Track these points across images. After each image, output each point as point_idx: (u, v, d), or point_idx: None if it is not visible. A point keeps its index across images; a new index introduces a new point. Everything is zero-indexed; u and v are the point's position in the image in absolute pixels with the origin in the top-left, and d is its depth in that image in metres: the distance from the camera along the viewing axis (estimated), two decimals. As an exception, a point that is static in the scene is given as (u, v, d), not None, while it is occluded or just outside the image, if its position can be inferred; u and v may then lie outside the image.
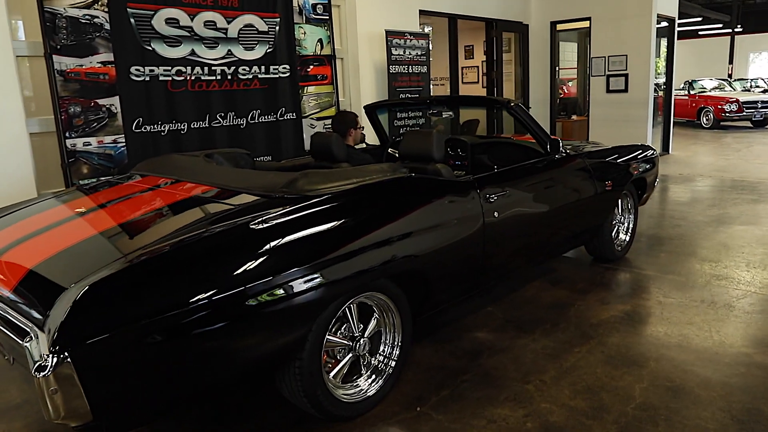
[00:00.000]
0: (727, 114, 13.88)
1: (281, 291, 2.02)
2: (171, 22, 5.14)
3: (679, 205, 6.40)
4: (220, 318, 1.87)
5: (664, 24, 9.94)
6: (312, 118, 6.48)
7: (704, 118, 14.53)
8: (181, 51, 5.26)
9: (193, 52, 5.35)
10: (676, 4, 9.86)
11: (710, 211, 6.00)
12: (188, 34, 5.28)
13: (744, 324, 3.30)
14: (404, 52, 7.01)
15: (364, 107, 4.70)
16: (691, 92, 15.20)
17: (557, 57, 9.46)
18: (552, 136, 3.81)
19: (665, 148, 10.40)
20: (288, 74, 6.12)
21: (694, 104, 14.77)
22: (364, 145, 4.72)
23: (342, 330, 2.48)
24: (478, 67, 10.47)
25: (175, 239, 2.03)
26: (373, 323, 2.59)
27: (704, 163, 9.27)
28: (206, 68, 5.46)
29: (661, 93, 9.98)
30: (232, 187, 2.54)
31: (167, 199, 2.56)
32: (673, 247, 4.82)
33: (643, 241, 5.02)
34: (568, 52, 11.26)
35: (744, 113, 13.79)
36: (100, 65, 4.80)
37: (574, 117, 10.14)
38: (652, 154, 4.82)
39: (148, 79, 5.07)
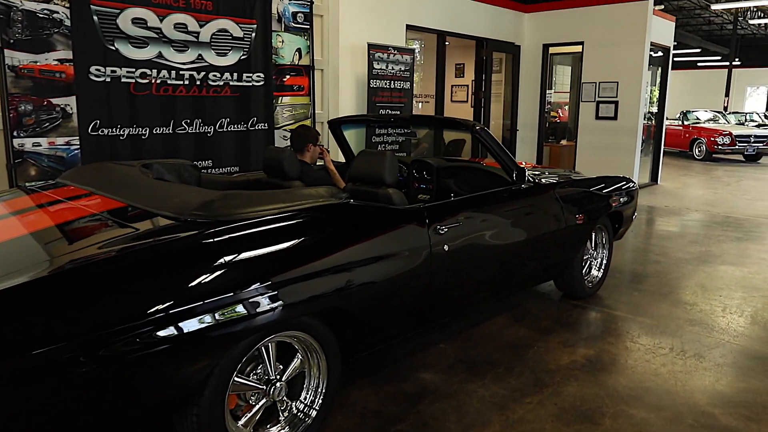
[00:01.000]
0: (720, 146, 13.74)
1: (169, 330, 1.76)
2: (138, 22, 4.90)
3: (661, 240, 6.17)
4: (86, 361, 1.61)
5: (659, 53, 9.81)
6: (285, 130, 6.24)
7: (697, 150, 14.38)
8: (147, 53, 5.02)
9: (160, 55, 5.11)
10: (672, 33, 9.72)
11: (692, 248, 5.77)
12: (156, 36, 5.05)
13: (713, 378, 3.05)
14: (386, 67, 6.80)
15: (328, 122, 4.47)
16: (685, 123, 15.07)
17: (548, 80, 9.29)
18: (521, 164, 3.58)
19: (654, 178, 10.21)
20: (262, 83, 5.89)
21: (687, 135, 14.63)
22: (320, 163, 4.48)
23: (257, 371, 2.21)
24: (468, 86, 10.27)
25: (45, 267, 1.76)
26: (294, 365, 2.32)
27: (692, 195, 9.07)
28: (174, 72, 5.22)
29: (653, 122, 9.83)
30: (142, 206, 2.29)
31: (63, 215, 2.31)
32: (648, 285, 4.58)
33: (618, 277, 4.78)
34: (565, 76, 11.12)
35: (736, 146, 13.64)
36: (56, 63, 4.56)
37: (563, 142, 9.95)
38: (631, 186, 4.60)
39: (109, 80, 4.82)
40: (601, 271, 4.36)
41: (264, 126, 5.96)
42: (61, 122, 4.66)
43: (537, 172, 4.00)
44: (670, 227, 6.88)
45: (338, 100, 6.73)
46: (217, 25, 5.47)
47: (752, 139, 13.74)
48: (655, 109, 10.04)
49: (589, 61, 8.54)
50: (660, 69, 9.98)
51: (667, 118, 16.81)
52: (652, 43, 8.61)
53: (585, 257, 4.15)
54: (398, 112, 7.05)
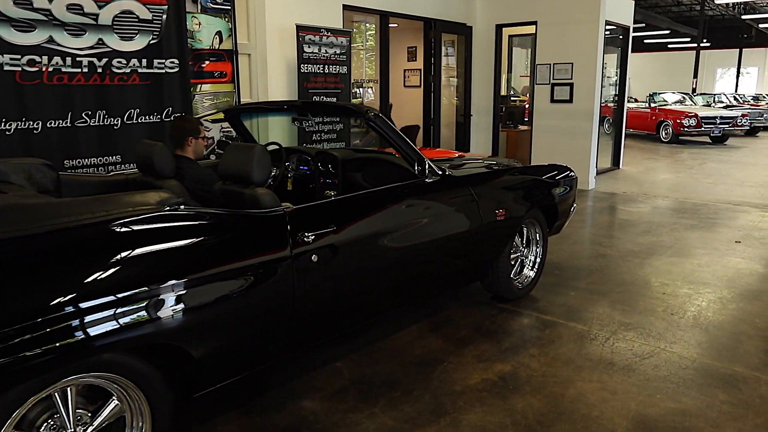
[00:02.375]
0: (686, 129, 13.47)
1: None
2: (22, 3, 4.35)
3: (612, 230, 5.81)
4: None
5: (618, 33, 9.43)
6: (206, 120, 5.74)
7: (663, 132, 14.11)
8: (34, 37, 4.47)
9: (51, 40, 4.56)
10: (631, 12, 9.34)
11: (643, 238, 5.41)
12: (45, 18, 4.49)
13: (639, 397, 2.66)
14: (319, 51, 6.31)
15: (223, 112, 3.99)
16: (652, 105, 14.79)
17: (503, 63, 8.86)
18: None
19: (616, 162, 9.88)
20: (176, 69, 5.37)
21: (654, 117, 14.35)
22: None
23: (52, 421, 1.76)
24: (420, 69, 9.80)
25: None
26: (107, 412, 1.87)
27: (653, 180, 8.75)
28: (69, 59, 4.67)
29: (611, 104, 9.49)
30: None
31: None
32: (588, 283, 4.20)
33: (557, 274, 4.40)
34: (528, 59, 10.70)
35: (702, 128, 13.39)
36: None
37: (521, 127, 9.56)
38: (569, 176, 4.20)
39: (-12, 68, 4.28)
40: (535, 269, 3.96)
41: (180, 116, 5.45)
42: (-70, 116, 4.13)
43: (452, 163, 3.58)
44: (624, 215, 6.53)
45: (267, 87, 6.23)
46: (119, 7, 4.92)
47: (718, 121, 13.50)
48: (612, 92, 9.70)
49: (543, 41, 8.12)
50: (620, 50, 9.62)
51: (636, 101, 16.60)
52: (609, 23, 8.22)
53: (513, 255, 3.75)
54: (334, 99, 6.57)
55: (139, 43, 5.09)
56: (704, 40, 22.01)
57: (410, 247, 2.83)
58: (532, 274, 3.93)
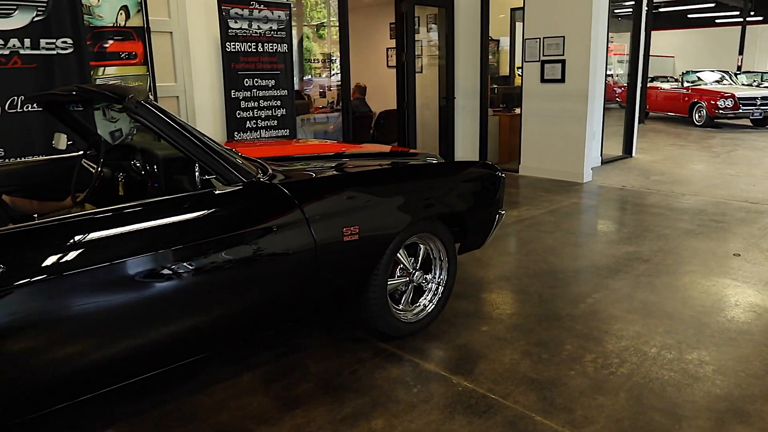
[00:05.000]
0: (721, 110, 11.99)
1: None
2: None
3: (583, 237, 4.81)
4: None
5: (631, 2, 8.22)
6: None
7: (696, 115, 12.64)
8: None
9: None
10: (645, -23, 8.11)
11: (618, 248, 4.40)
12: None
13: None
14: (250, 26, 5.49)
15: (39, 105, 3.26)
16: (685, 84, 13.30)
17: (488, 38, 7.80)
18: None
19: (628, 150, 8.71)
20: (70, 50, 4.68)
21: (686, 99, 12.88)
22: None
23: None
24: (421, 42, 8.82)
25: None
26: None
27: (666, 171, 7.57)
28: (-71, 39, 4.05)
29: (613, 82, 8.30)
30: None
31: None
32: (511, 314, 3.28)
33: (480, 299, 3.49)
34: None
35: (740, 110, 11.88)
36: None
37: (517, 111, 8.50)
38: (489, 176, 3.28)
39: None
40: (436, 298, 3.07)
41: (77, 105, 4.75)
42: None
43: (306, 165, 2.72)
44: (608, 217, 5.50)
45: (191, 69, 5.47)
46: (-10, -23, 4.27)
47: (759, 102, 11.94)
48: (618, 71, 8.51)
49: (532, 11, 7.03)
50: (632, 24, 8.41)
51: (676, 81, 15.00)
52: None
53: (394, 282, 2.87)
54: (273, 81, 5.76)
55: (19, 20, 4.42)
56: (751, 13, 19.99)
57: (175, 288, 2.01)
58: (428, 304, 3.05)
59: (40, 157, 4.35)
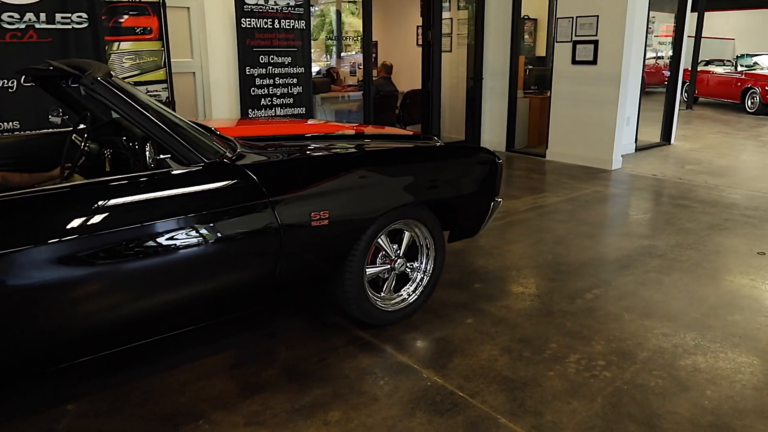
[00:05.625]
0: (776, 97, 11.25)
1: None
2: None
3: (597, 228, 4.57)
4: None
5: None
6: (128, 82, 5.06)
7: (749, 101, 11.90)
8: None
9: None
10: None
11: (632, 240, 4.17)
12: None
13: None
14: (266, 2, 5.41)
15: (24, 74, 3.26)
16: (739, 69, 12.52)
17: (520, 16, 7.48)
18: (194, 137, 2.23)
19: (666, 136, 8.27)
20: (85, 25, 4.72)
21: (739, 84, 12.13)
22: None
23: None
24: (451, 20, 8.55)
25: None
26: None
27: (703, 160, 7.15)
28: (-57, 12, 4.14)
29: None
30: None
31: None
32: (501, 307, 3.14)
33: (475, 288, 3.36)
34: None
35: (799, 98, 11.11)
36: None
37: (548, 93, 8.16)
38: (484, 161, 3.13)
39: None
40: (419, 289, 2.96)
41: (92, 78, 4.80)
42: None
43: (294, 144, 2.64)
44: (630, 207, 5.22)
45: (207, 45, 5.45)
46: (7, -49, 4.32)
47: (820, 88, 11.14)
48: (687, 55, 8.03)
49: (566, -12, 6.70)
50: (678, 2, 7.90)
51: (729, 63, 14.14)
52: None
53: (375, 269, 2.78)
54: (289, 58, 5.68)
55: (33, -7, 4.47)
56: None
57: (116, 270, 1.96)
58: (411, 294, 2.94)
59: (33, 132, 4.42)
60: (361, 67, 10.21)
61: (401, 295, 2.93)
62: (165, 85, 5.20)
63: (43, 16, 4.54)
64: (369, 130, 3.90)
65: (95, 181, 2.03)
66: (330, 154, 2.69)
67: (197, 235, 2.09)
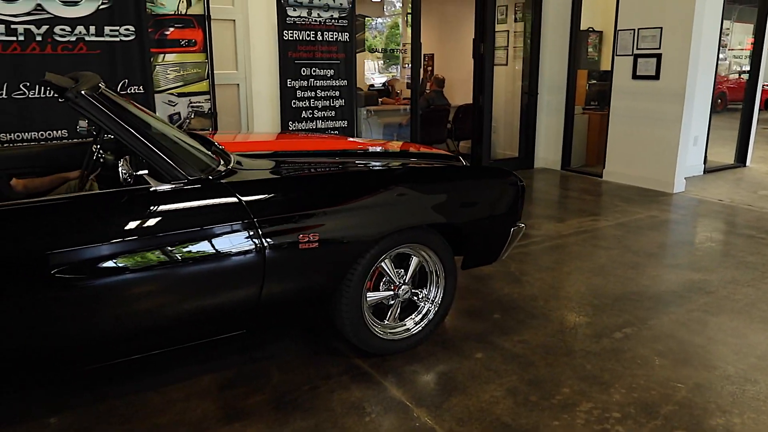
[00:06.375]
0: None
1: None
2: (-57, -35, 4.12)
3: (644, 257, 4.19)
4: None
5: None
6: (171, 94, 5.20)
7: None
8: (-41, 3, 4.23)
9: (-20, 6, 4.30)
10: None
11: (682, 273, 3.79)
12: (-27, -17, 4.24)
13: None
14: (309, 14, 5.41)
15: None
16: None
17: (579, 28, 7.12)
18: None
19: (741, 158, 7.62)
20: (132, 37, 4.88)
21: (834, 101, 11.06)
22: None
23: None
24: (507, 32, 8.29)
25: None
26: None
27: (782, 186, 6.51)
28: (2, 26, 4.40)
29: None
30: None
31: None
32: (517, 342, 2.90)
33: (494, 319, 3.13)
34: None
35: None
36: None
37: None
38: (505, 183, 2.92)
39: None
40: (425, 320, 2.79)
41: (139, 89, 4.97)
42: None
43: (294, 161, 2.55)
44: (683, 236, 4.77)
45: (250, 57, 5.50)
46: (60, -31, 4.54)
47: None
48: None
49: (628, -1, 6.31)
50: (758, 11, 7.29)
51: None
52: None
53: (376, 296, 2.63)
54: (331, 71, 5.65)
55: (85, 8, 4.66)
56: None
57: (84, 287, 1.92)
58: (414, 326, 2.77)
59: (63, 141, 4.57)
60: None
61: (404, 324, 2.76)
62: (207, 97, 5.29)
63: (92, 28, 4.72)
64: (399, 147, 3.77)
65: (79, 195, 2.02)
66: (325, 172, 2.58)
67: (176, 252, 2.03)
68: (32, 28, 4.49)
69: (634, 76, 6.34)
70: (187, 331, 2.22)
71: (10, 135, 4.56)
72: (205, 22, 5.18)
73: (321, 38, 5.52)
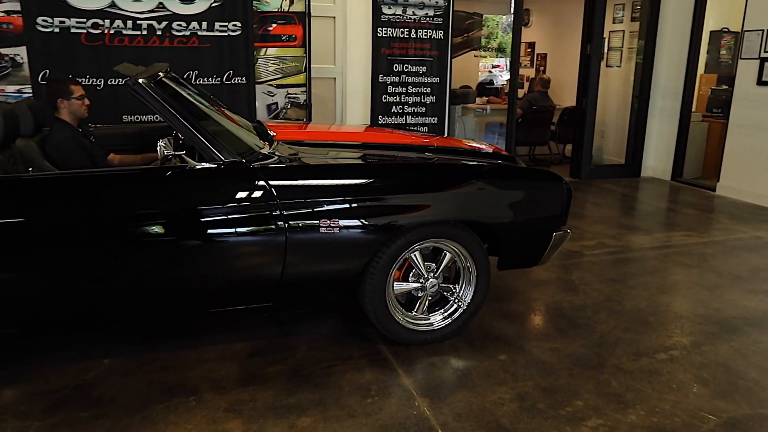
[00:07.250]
0: None
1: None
2: (84, -30, 4.82)
3: (727, 279, 3.82)
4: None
5: None
6: (270, 85, 5.61)
7: None
8: (98, 2, 4.93)
9: (113, 4, 4.98)
10: None
11: (764, 300, 3.42)
12: (107, -15, 4.92)
13: None
14: (404, 12, 5.53)
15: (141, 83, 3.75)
16: None
17: (700, 27, 6.50)
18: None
19: None
20: (239, 32, 5.35)
21: None
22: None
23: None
24: (623, 32, 7.83)
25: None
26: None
27: None
28: (129, 22, 5.05)
29: None
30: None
31: None
32: (548, 347, 2.82)
33: (529, 323, 3.07)
34: None
35: None
36: (3, 14, 4.76)
37: (735, 118, 6.96)
38: (548, 186, 2.85)
39: (57, 30, 4.88)
40: (456, 315, 2.81)
41: (242, 80, 5.44)
42: (11, 71, 4.90)
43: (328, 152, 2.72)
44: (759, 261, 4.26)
45: (346, 53, 5.75)
46: (180, -28, 5.09)
47: None
48: None
49: (759, -4, 5.68)
50: None
51: None
52: None
53: (402, 287, 2.71)
54: (424, 68, 5.73)
55: (199, 5, 5.19)
56: None
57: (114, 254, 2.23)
58: (444, 318, 2.81)
59: (153, 122, 5.01)
60: (529, 79, 9.90)
61: (429, 318, 2.81)
62: (303, 89, 5.63)
63: (205, 24, 5.22)
64: (459, 144, 3.78)
65: (122, 169, 2.33)
66: (354, 163, 2.70)
67: (204, 228, 2.28)
68: (154, 23, 5.07)
69: (759, 82, 5.72)
70: (210, 300, 2.47)
71: (130, 117, 5.21)
72: (305, 18, 5.51)
73: (415, 35, 5.63)
